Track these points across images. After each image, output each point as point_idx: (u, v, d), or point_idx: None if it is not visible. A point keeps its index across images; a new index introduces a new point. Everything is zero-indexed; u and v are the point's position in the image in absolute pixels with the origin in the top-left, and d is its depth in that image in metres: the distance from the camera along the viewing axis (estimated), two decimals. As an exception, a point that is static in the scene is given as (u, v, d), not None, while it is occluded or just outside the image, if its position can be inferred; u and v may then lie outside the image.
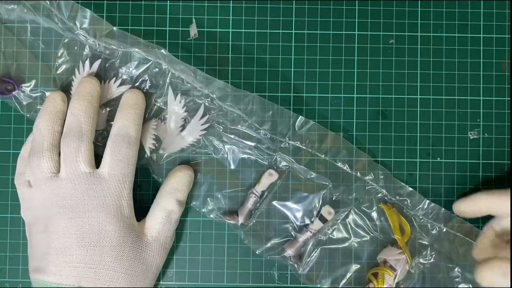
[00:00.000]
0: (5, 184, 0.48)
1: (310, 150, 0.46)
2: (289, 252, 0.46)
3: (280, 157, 0.47)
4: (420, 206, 0.46)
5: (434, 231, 0.46)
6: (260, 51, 0.48)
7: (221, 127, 0.47)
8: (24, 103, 0.47)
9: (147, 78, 0.46)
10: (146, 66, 0.46)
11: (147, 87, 0.46)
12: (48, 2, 0.44)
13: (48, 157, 0.42)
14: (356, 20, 0.48)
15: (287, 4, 0.48)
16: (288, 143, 0.46)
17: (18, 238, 0.47)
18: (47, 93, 0.46)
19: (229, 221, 0.47)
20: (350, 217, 0.47)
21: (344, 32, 0.48)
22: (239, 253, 0.48)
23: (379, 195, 0.47)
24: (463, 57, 0.48)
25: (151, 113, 0.47)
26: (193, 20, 0.48)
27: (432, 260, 0.46)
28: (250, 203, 0.46)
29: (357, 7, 0.48)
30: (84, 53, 0.46)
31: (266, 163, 0.47)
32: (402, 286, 0.46)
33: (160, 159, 0.47)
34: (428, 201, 0.46)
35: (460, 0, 0.48)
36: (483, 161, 0.48)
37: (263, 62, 0.48)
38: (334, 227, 0.47)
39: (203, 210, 0.47)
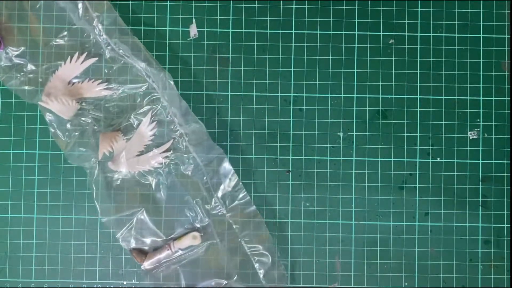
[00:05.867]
0: (5, 184, 0.48)
1: (237, 232, 0.46)
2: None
3: (211, 224, 0.46)
4: None
5: None
6: (260, 51, 0.48)
7: (173, 171, 0.46)
8: (2, 64, 0.46)
9: (133, 94, 0.47)
10: (137, 85, 0.46)
11: (128, 102, 0.47)
12: None
13: None
14: (356, 20, 0.48)
15: (287, 4, 0.48)
16: (226, 216, 0.46)
17: (18, 238, 0.47)
18: (29, 65, 0.46)
19: (135, 258, 0.46)
20: None
21: (344, 32, 0.48)
22: (239, 253, 0.48)
23: None
24: (463, 57, 0.48)
25: (121, 126, 0.47)
26: (193, 20, 0.48)
27: None
28: (161, 254, 0.46)
29: (357, 7, 0.48)
30: (86, 45, 0.47)
31: (197, 224, 0.46)
32: None
33: (101, 173, 0.46)
34: None
35: (460, 0, 0.48)
36: (483, 161, 0.48)
37: (263, 62, 0.48)
38: None
39: (117, 235, 0.46)
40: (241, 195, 0.46)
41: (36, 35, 0.47)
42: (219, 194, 0.46)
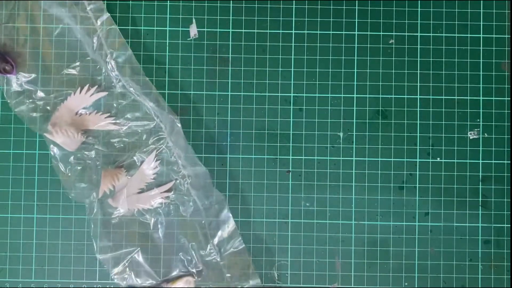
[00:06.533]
0: (5, 184, 0.48)
1: (229, 281, 0.46)
2: None
3: (204, 270, 0.46)
4: None
5: None
6: (260, 51, 0.48)
7: (172, 212, 0.46)
8: (12, 89, 0.46)
9: (139, 131, 0.47)
10: (145, 123, 0.46)
11: (134, 139, 0.47)
12: (99, 23, 0.46)
13: None
14: (356, 20, 0.48)
15: (287, 4, 0.48)
16: (219, 263, 0.46)
17: (18, 238, 0.47)
18: (39, 92, 0.46)
19: None
20: None
21: (344, 32, 0.48)
22: (239, 253, 0.48)
23: None
24: (463, 57, 0.48)
25: (124, 162, 0.47)
26: (193, 20, 0.48)
27: None
28: None
29: (357, 7, 0.48)
30: (98, 78, 0.47)
31: (190, 268, 0.46)
32: None
33: (100, 210, 0.46)
34: None
35: (460, 0, 0.49)
36: (482, 161, 0.48)
37: (263, 62, 0.48)
38: None
39: (112, 273, 0.46)
40: (236, 243, 0.46)
41: (49, 63, 0.47)
42: (216, 240, 0.46)
